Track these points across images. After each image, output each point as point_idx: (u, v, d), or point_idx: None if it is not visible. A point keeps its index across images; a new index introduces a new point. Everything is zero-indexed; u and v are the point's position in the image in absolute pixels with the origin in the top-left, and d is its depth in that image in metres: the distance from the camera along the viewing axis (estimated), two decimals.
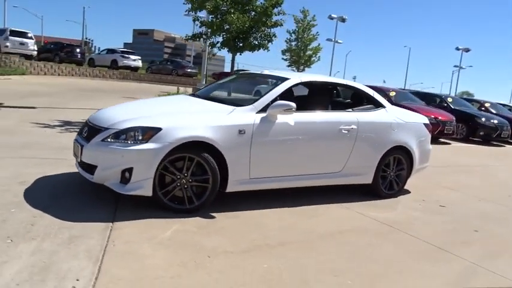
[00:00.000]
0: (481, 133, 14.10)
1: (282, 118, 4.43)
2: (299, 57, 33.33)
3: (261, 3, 10.07)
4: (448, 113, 13.21)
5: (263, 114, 4.35)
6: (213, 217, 4.01)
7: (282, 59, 34.45)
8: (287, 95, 4.72)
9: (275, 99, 4.50)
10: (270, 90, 4.63)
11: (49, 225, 3.40)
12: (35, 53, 26.57)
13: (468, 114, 14.41)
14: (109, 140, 3.87)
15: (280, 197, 4.78)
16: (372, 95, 5.43)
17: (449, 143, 13.02)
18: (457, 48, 48.41)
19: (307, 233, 3.93)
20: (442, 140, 13.32)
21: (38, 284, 2.52)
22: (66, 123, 8.40)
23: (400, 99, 13.61)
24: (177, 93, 17.10)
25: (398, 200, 5.40)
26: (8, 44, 24.83)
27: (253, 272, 3.00)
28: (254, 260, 3.20)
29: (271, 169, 4.48)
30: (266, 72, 5.44)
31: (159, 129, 3.84)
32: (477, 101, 18.57)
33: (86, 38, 68.91)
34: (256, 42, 10.26)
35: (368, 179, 5.24)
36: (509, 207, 5.85)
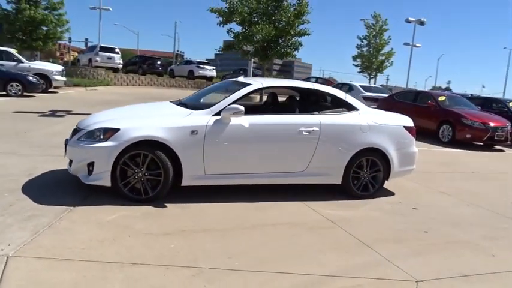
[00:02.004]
0: None
1: (236, 120, 4.88)
2: (370, 63, 32.66)
3: (286, 13, 10.48)
4: (502, 119, 12.38)
5: (218, 117, 4.84)
6: (164, 206, 4.59)
7: (353, 65, 34.05)
8: (249, 100, 5.14)
9: (233, 103, 4.96)
10: (229, 95, 5.10)
11: (23, 207, 4.23)
12: (121, 66, 29.45)
13: None
14: (82, 139, 4.66)
15: (243, 193, 5.19)
16: (343, 98, 5.62)
17: (503, 150, 12.17)
18: None
19: (242, 223, 4.33)
20: (498, 147, 12.52)
21: None
22: None
23: (450, 104, 13.15)
24: None
25: (370, 201, 5.50)
26: (97, 58, 27.89)
27: (155, 249, 3.52)
28: (166, 241, 3.71)
29: (227, 166, 4.94)
30: (240, 79, 5.90)
31: (117, 129, 4.53)
32: None
33: (178, 51, 73.84)
34: (284, 51, 10.68)
35: (337, 180, 5.44)
36: (497, 213, 5.61)
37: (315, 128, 5.19)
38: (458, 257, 4.00)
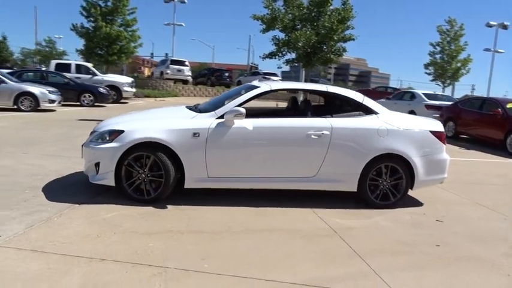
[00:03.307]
0: None
1: (239, 123, 4.82)
2: (444, 71, 30.70)
3: (330, 19, 10.21)
4: None
5: (221, 120, 4.81)
6: (165, 207, 4.65)
7: (425, 73, 32.26)
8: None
9: (238, 106, 4.91)
10: (236, 98, 5.05)
11: (34, 203, 4.52)
12: (190, 78, 30.73)
13: None
14: (92, 140, 4.89)
15: (250, 198, 5.10)
16: (360, 101, 5.31)
17: None
18: None
19: (235, 227, 4.23)
20: None
21: None
22: None
23: None
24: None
25: (388, 211, 5.11)
26: (168, 71, 29.40)
27: (132, 247, 3.55)
28: (147, 240, 3.74)
29: (231, 170, 4.88)
30: (254, 82, 5.81)
31: (122, 131, 4.69)
32: None
33: (252, 63, 75.37)
34: (327, 57, 10.40)
35: (351, 187, 5.14)
36: None
37: (325, 132, 4.96)
38: (464, 275, 3.55)
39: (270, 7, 10.90)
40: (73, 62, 21.11)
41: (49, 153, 7.19)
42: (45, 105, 14.61)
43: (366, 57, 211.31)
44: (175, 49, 50.52)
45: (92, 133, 5.17)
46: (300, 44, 9.73)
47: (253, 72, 35.35)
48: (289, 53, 11.12)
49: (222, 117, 4.83)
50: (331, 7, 10.69)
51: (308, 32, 9.61)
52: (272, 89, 5.26)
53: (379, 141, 5.07)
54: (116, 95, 19.97)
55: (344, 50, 10.49)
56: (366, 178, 5.12)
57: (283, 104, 8.11)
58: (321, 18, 10.09)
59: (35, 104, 14.38)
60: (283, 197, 5.25)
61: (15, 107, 14.17)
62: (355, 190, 5.15)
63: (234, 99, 5.05)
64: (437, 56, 31.55)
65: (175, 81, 29.22)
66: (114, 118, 5.45)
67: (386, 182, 5.21)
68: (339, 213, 4.93)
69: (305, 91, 5.91)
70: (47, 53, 58.14)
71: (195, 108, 5.35)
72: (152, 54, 67.93)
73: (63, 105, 15.93)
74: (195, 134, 4.71)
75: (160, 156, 4.64)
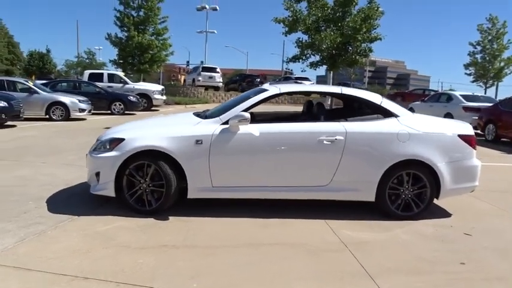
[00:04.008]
0: None
1: (245, 129, 4.52)
2: (486, 71, 29.14)
3: (354, 18, 9.74)
4: None
5: (226, 126, 4.54)
6: (166, 219, 4.41)
7: (465, 73, 30.77)
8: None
9: (245, 111, 4.63)
10: (241, 102, 4.76)
11: (34, 214, 4.40)
12: (221, 84, 30.80)
13: None
14: (95, 149, 4.73)
15: (260, 209, 4.80)
16: (378, 103, 4.89)
17: None
18: None
19: (236, 241, 3.93)
20: None
21: None
22: None
23: None
24: None
25: (410, 223, 4.65)
26: (200, 78, 29.58)
27: (120, 264, 3.32)
28: (138, 256, 3.49)
29: (237, 179, 4.59)
30: (265, 86, 5.50)
31: (122, 139, 4.50)
32: None
33: (286, 68, 75.15)
34: (353, 58, 9.92)
35: (369, 196, 4.72)
36: None
37: (338, 137, 4.58)
38: None
39: (291, 8, 10.60)
40: (105, 72, 21.57)
41: (66, 162, 7.16)
42: (75, 114, 14.89)
43: (405, 59, 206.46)
44: (211, 57, 51.24)
45: (96, 141, 5.02)
46: (325, 46, 9.34)
47: (286, 77, 35.00)
48: (313, 55, 10.78)
49: (227, 123, 4.55)
50: (356, 7, 10.30)
51: (333, 33, 9.21)
52: (281, 92, 4.94)
53: (400, 147, 4.64)
54: (146, 102, 20.20)
55: (370, 50, 9.99)
56: (385, 187, 4.69)
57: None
58: (346, 18, 9.66)
59: (65, 113, 14.69)
60: (295, 207, 4.92)
61: (47, 116, 14.52)
62: (373, 200, 4.73)
63: (241, 103, 4.77)
64: (478, 56, 30.00)
65: (207, 88, 29.33)
66: (121, 126, 5.29)
67: (408, 191, 4.76)
68: (354, 225, 4.54)
69: (318, 93, 5.54)
70: (87, 64, 60.14)
71: (203, 115, 5.10)
72: (188, 62, 68.84)
73: (94, 113, 16.21)
74: (198, 141, 4.46)
75: (161, 165, 4.42)
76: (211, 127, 4.55)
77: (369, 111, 5.00)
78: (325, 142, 4.57)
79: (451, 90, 42.69)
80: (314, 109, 5.27)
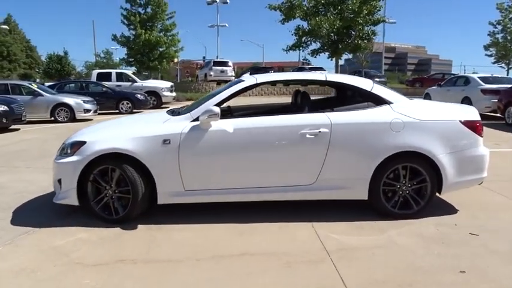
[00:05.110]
0: None
1: (217, 125, 4.07)
2: (508, 51, 27.73)
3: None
4: None
5: (196, 123, 4.09)
6: (134, 228, 4.02)
7: (486, 55, 29.37)
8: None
9: (219, 104, 4.18)
10: (214, 95, 4.31)
11: None
12: (233, 78, 30.26)
13: None
14: (59, 154, 4.36)
15: (244, 212, 4.36)
16: (368, 89, 4.35)
17: None
18: None
19: (202, 253, 3.48)
20: None
21: None
22: None
23: None
24: None
25: (410, 223, 4.12)
26: (211, 73, 29.15)
27: (61, 286, 2.93)
28: (86, 274, 3.10)
29: (212, 181, 4.14)
30: (243, 76, 5.02)
31: (84, 142, 4.10)
32: None
33: (304, 59, 74.07)
34: (356, 42, 9.28)
35: (361, 194, 4.21)
36: None
37: (322, 130, 4.07)
38: None
39: None
40: (113, 71, 21.38)
41: (51, 167, 6.84)
42: (80, 115, 14.71)
43: (426, 44, 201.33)
44: (227, 51, 51.03)
45: (61, 145, 4.66)
46: (324, 32, 8.76)
47: (299, 67, 34.22)
48: (314, 42, 10.18)
49: (198, 119, 4.10)
50: None
51: (330, 17, 8.62)
52: (258, 82, 4.45)
53: (393, 137, 4.10)
54: (155, 100, 19.95)
55: (374, 33, 9.35)
56: (379, 183, 4.17)
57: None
58: (346, 1, 9.04)
59: (70, 115, 14.52)
60: (281, 208, 4.45)
61: (52, 118, 14.37)
62: (366, 198, 4.22)
63: (214, 97, 4.31)
64: (499, 36, 28.57)
65: (219, 82, 28.89)
66: (90, 126, 4.91)
67: (406, 186, 4.22)
68: (345, 227, 4.04)
69: (301, 82, 5.02)
70: (104, 64, 60.61)
71: (176, 111, 4.67)
72: (204, 57, 68.60)
73: (101, 113, 16.02)
74: (166, 141, 4.03)
75: (126, 169, 4.01)
76: (181, 125, 4.11)
77: (359, 99, 4.47)
78: (307, 136, 4.07)
79: (474, 73, 40.96)
80: (298, 99, 4.76)
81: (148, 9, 24.68)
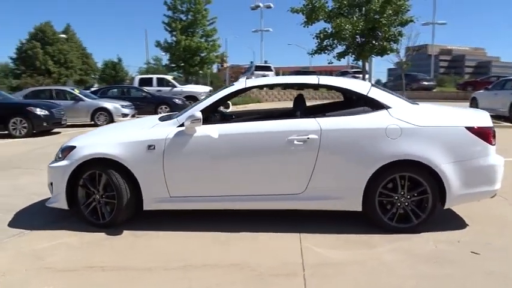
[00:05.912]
0: None
1: (202, 131, 3.98)
2: None
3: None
4: None
5: (182, 128, 4.02)
6: (119, 233, 4.00)
7: None
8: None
9: (206, 109, 4.10)
10: (203, 100, 4.22)
11: None
12: None
13: None
14: (54, 158, 4.45)
15: (233, 220, 4.24)
16: (364, 93, 4.08)
17: None
18: None
19: (176, 262, 3.38)
20: None
21: None
22: None
23: None
24: None
25: (407, 237, 3.80)
26: (253, 77, 29.21)
27: None
28: (51, 280, 3.09)
29: (197, 187, 4.05)
30: (239, 80, 4.89)
31: (74, 147, 4.16)
32: None
33: (353, 64, 72.66)
34: (381, 44, 8.87)
35: (354, 205, 3.95)
36: None
37: (311, 136, 3.86)
38: None
39: None
40: (154, 76, 21.98)
41: None
42: (118, 119, 15.17)
43: (485, 46, 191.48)
44: (274, 56, 50.92)
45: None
46: (347, 34, 8.44)
47: (343, 71, 33.58)
48: (339, 45, 9.84)
49: (183, 125, 4.03)
50: None
51: (354, 18, 8.29)
52: (247, 86, 4.32)
53: (389, 145, 3.82)
54: None
55: (400, 34, 8.84)
56: (374, 194, 3.89)
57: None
58: (370, 2, 8.67)
59: (109, 119, 15.02)
60: (272, 217, 4.27)
61: (93, 122, 14.94)
62: (360, 209, 3.95)
63: (201, 102, 4.23)
64: None
65: (262, 87, 28.93)
66: (88, 132, 4.98)
67: (404, 198, 3.91)
68: (334, 240, 3.80)
69: (291, 86, 4.81)
70: (154, 69, 62.57)
71: (167, 117, 4.63)
72: (252, 62, 69.08)
73: (139, 117, 16.44)
74: (150, 147, 3.99)
75: (112, 174, 4.00)
76: (166, 130, 4.06)
77: (355, 103, 4.22)
78: (295, 142, 3.88)
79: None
80: (293, 104, 4.57)
81: (189, 16, 25.16)
